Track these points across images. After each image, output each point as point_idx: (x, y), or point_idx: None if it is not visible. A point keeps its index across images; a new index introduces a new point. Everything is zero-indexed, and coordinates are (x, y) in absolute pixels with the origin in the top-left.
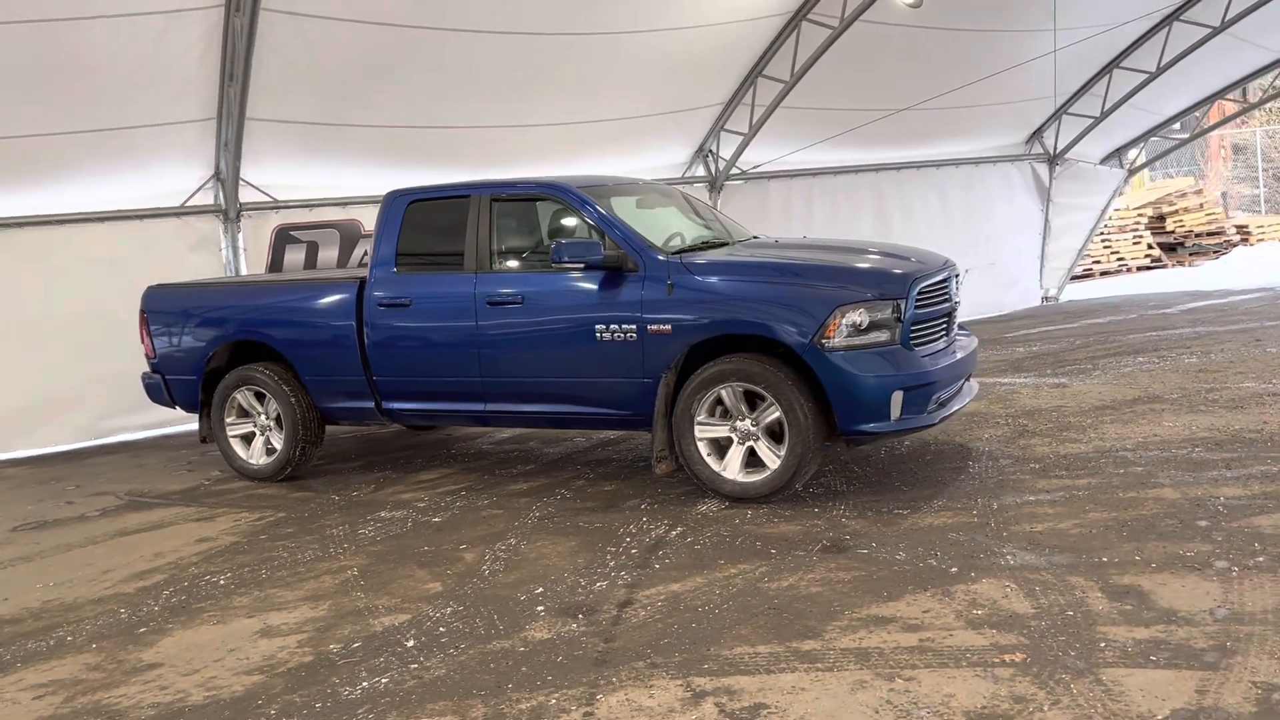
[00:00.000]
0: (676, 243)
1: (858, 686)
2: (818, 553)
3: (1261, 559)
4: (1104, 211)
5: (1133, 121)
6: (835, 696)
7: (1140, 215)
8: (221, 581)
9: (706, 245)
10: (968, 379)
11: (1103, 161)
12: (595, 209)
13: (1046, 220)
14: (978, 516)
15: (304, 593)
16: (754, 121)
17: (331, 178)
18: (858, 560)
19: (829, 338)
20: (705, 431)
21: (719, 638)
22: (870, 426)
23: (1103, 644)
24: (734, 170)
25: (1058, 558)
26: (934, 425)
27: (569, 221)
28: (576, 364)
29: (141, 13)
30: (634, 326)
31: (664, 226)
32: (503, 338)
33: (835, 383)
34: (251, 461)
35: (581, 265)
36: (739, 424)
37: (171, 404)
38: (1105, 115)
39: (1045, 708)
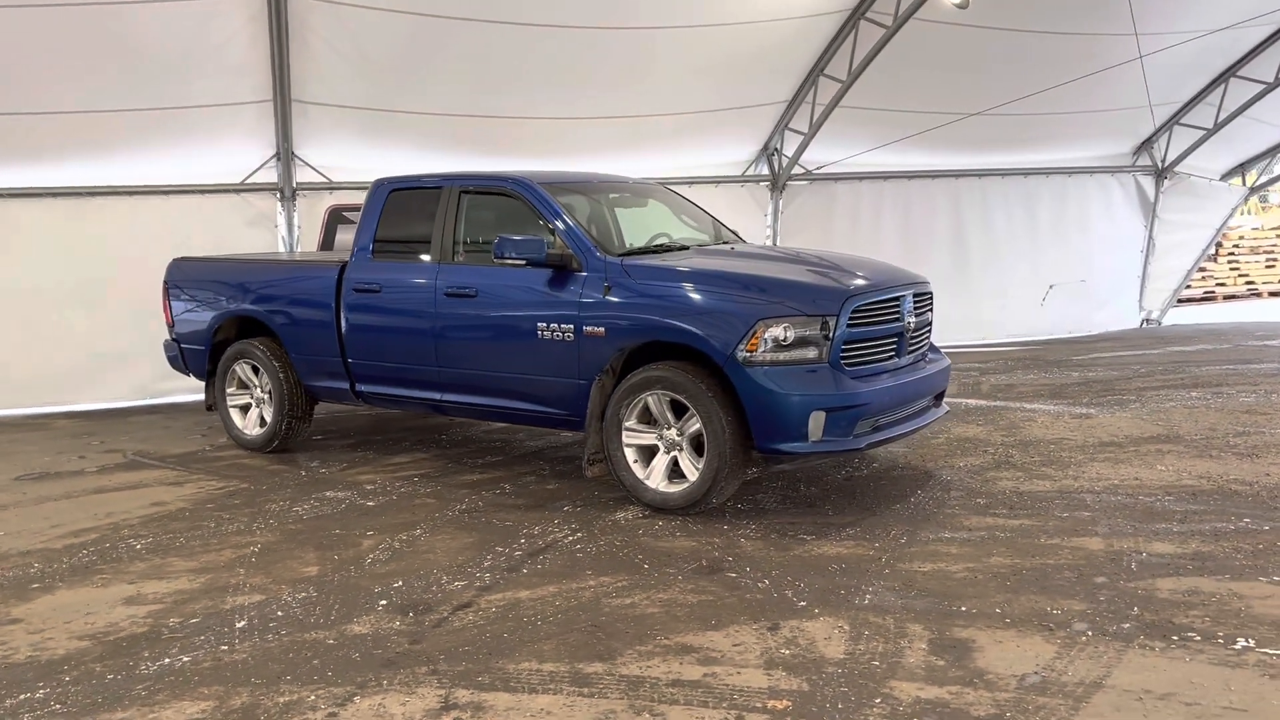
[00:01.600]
0: (637, 243)
1: (602, 716)
2: (689, 572)
3: (1127, 625)
4: (1219, 231)
5: (1259, 135)
6: None
7: None
8: (138, 546)
9: (664, 249)
10: (937, 401)
11: (1223, 177)
12: (550, 205)
13: (1150, 237)
14: (876, 550)
15: (195, 565)
16: (814, 120)
17: (384, 161)
18: (720, 584)
19: (750, 351)
20: (633, 438)
21: (516, 651)
22: (787, 446)
23: (879, 700)
24: (798, 170)
25: (916, 602)
26: (860, 450)
27: (527, 217)
28: (519, 360)
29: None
30: (571, 326)
31: (647, 227)
32: (456, 329)
33: (752, 398)
34: (246, 432)
35: (523, 261)
36: (665, 433)
37: (187, 371)
38: (1219, 127)
39: None
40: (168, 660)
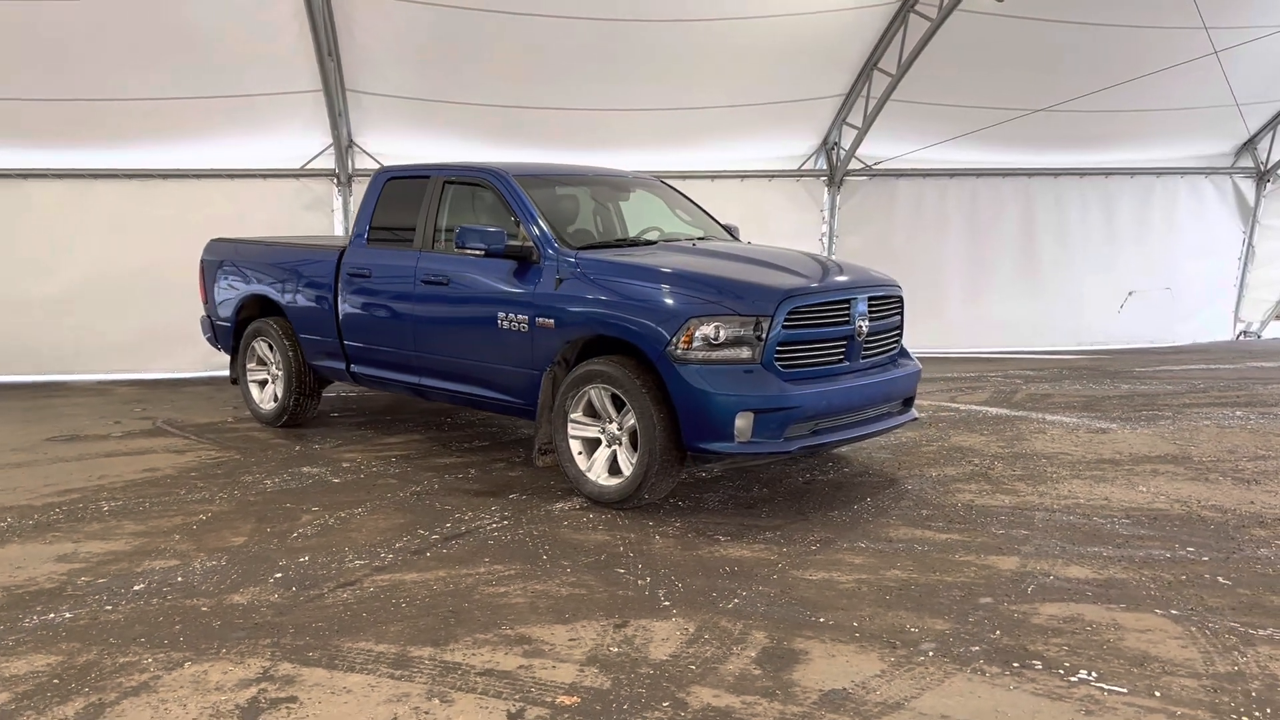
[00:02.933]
0: (625, 236)
1: (396, 698)
2: (581, 566)
3: (976, 649)
4: None
5: None
6: (364, 704)
7: None
8: (105, 508)
9: (629, 242)
10: (905, 406)
11: None
12: (518, 196)
13: (1249, 244)
14: (779, 556)
15: (141, 529)
16: (867, 114)
17: (434, 149)
18: (602, 579)
19: (682, 349)
20: (578, 430)
21: (362, 631)
22: (713, 445)
23: (667, 704)
24: (857, 165)
25: (780, 610)
26: (790, 453)
27: (498, 208)
28: (482, 348)
29: None
30: (525, 317)
31: (638, 220)
32: (430, 315)
33: (681, 395)
34: (261, 406)
35: (482, 251)
36: (608, 427)
37: (217, 346)
38: None
39: None
40: (52, 615)
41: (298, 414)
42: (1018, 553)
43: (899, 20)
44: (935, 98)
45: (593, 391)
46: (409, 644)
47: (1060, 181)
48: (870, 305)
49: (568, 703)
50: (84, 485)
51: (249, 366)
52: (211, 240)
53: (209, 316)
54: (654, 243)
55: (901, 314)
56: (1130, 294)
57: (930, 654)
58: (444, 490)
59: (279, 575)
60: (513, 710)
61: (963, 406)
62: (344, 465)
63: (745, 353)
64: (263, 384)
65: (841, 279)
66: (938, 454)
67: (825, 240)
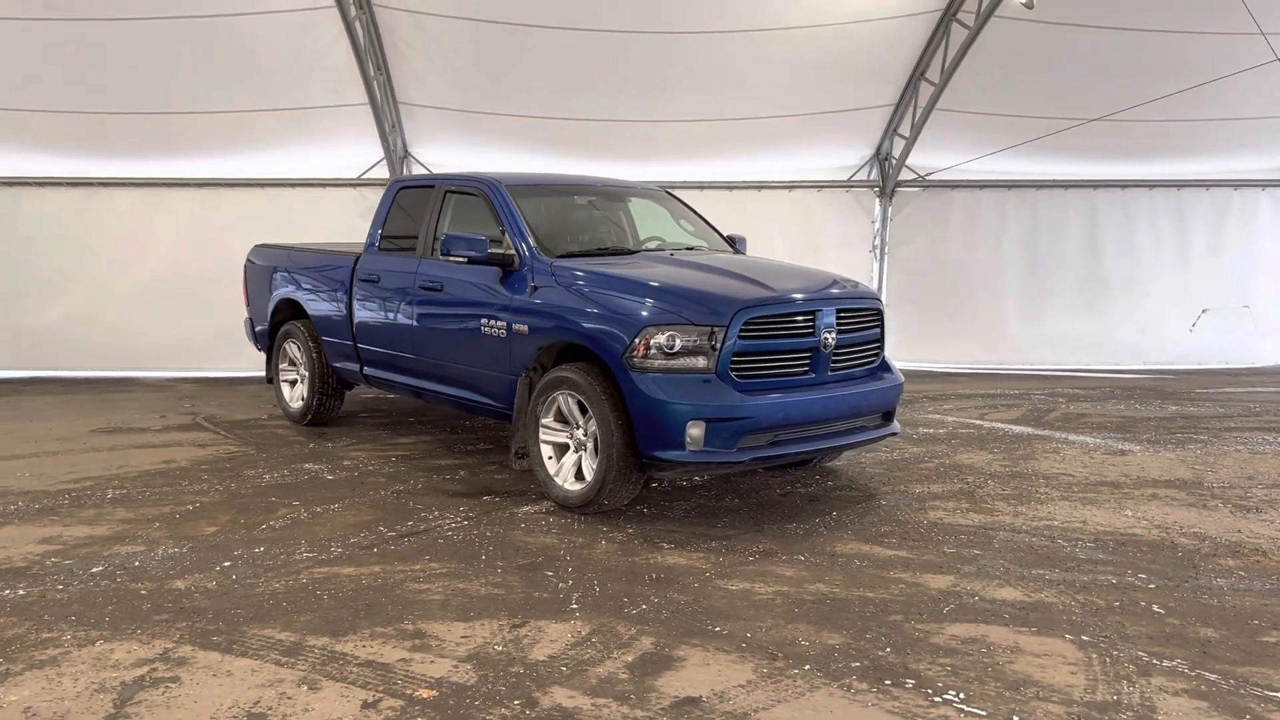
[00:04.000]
0: (579, 245)
1: (269, 683)
2: (514, 568)
3: (856, 664)
4: None
5: None
6: (236, 687)
7: None
8: (110, 496)
9: (609, 251)
10: (886, 420)
11: None
12: (505, 205)
13: None
14: (710, 565)
15: (130, 516)
16: (915, 122)
17: (482, 159)
18: (527, 581)
19: (638, 357)
20: (548, 435)
21: (274, 620)
22: (665, 454)
23: (518, 702)
24: (910, 176)
25: (679, 617)
26: (743, 464)
27: (489, 216)
28: (469, 352)
29: (279, 10)
30: (504, 323)
31: (639, 230)
32: (427, 319)
33: (636, 403)
34: (290, 405)
35: (465, 259)
36: (575, 433)
37: (258, 346)
38: None
39: None
40: (7, 592)
41: (321, 413)
42: (956, 572)
43: (941, 29)
44: (991, 107)
45: (561, 397)
46: (310, 633)
47: (1128, 193)
48: (841, 318)
49: (424, 696)
50: (101, 474)
51: (282, 367)
52: (254, 245)
53: (250, 319)
54: (634, 252)
55: (881, 327)
56: (1204, 312)
57: (806, 668)
58: (425, 490)
59: (227, 564)
60: (369, 700)
61: (986, 424)
62: (344, 463)
63: (700, 362)
64: (293, 384)
65: (807, 292)
66: (934, 470)
67: (876, 252)
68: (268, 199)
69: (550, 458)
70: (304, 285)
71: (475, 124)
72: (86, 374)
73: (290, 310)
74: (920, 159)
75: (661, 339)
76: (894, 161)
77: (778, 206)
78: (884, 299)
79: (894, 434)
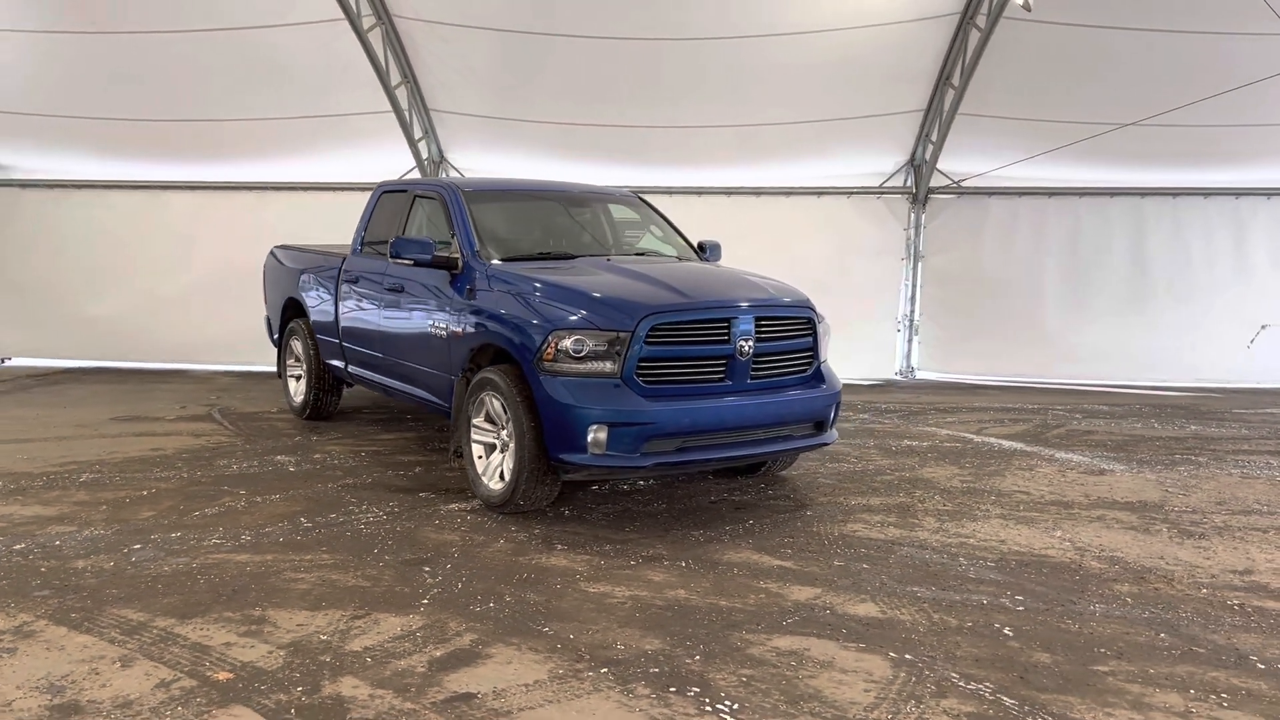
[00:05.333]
0: (523, 249)
1: (91, 659)
2: (397, 562)
3: (654, 670)
4: None
5: None
6: (59, 660)
7: None
8: (83, 479)
9: (550, 256)
10: (818, 429)
11: None
12: (457, 209)
13: None
14: (589, 569)
15: (84, 499)
16: (940, 129)
17: (512, 164)
18: (400, 575)
19: (547, 360)
20: (479, 435)
21: (141, 600)
22: (570, 457)
23: (302, 689)
24: (945, 183)
25: (517, 616)
26: (645, 469)
27: (444, 220)
28: (420, 353)
29: (304, 22)
30: (445, 325)
31: (604, 237)
32: (390, 320)
33: (543, 405)
34: (294, 400)
35: (411, 261)
36: (501, 433)
37: (273, 343)
38: None
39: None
40: None
41: (319, 408)
42: (828, 585)
43: (961, 33)
44: (1028, 112)
45: (487, 398)
46: (161, 615)
47: (1179, 202)
48: (762, 326)
49: (220, 678)
50: (89, 459)
51: (289, 363)
52: (273, 247)
53: (268, 317)
54: (575, 257)
55: (813, 335)
56: (1263, 328)
57: (603, 671)
58: (371, 485)
59: (138, 547)
60: (167, 680)
61: (978, 439)
62: (314, 456)
63: (607, 366)
64: (298, 379)
65: (723, 299)
66: (887, 483)
67: (908, 260)
68: (309, 202)
69: (480, 457)
70: (304, 285)
71: (504, 130)
72: (140, 365)
73: (295, 309)
74: (957, 165)
75: (568, 343)
76: (928, 166)
77: (806, 213)
78: (916, 309)
79: (825, 444)
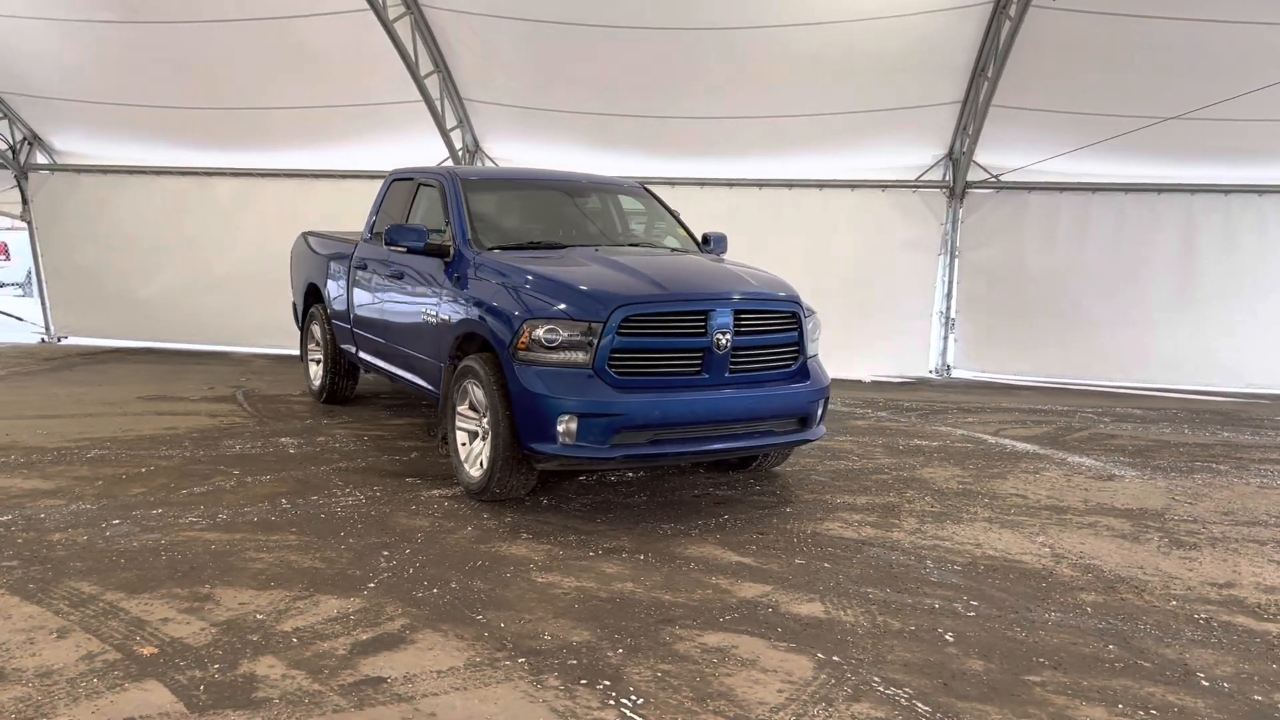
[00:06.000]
0: (516, 238)
1: (29, 629)
2: (360, 546)
3: (575, 662)
4: None
5: None
6: (1, 628)
7: None
8: (90, 455)
9: (540, 245)
10: (801, 425)
11: None
12: (454, 197)
13: None
14: (546, 558)
15: (84, 474)
16: (976, 119)
17: (544, 154)
18: (357, 558)
19: (521, 349)
20: (463, 422)
21: (97, 574)
22: (539, 446)
23: (219, 666)
24: (984, 177)
25: (458, 603)
26: (614, 460)
27: (441, 208)
28: (415, 339)
29: (333, 12)
30: (436, 313)
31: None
32: (391, 306)
33: (516, 394)
34: (313, 383)
35: (405, 249)
36: (484, 420)
37: (298, 327)
38: None
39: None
40: None
41: (335, 392)
42: (781, 583)
43: (994, 22)
44: (1071, 105)
45: (469, 386)
46: (112, 589)
47: (1231, 199)
48: (742, 320)
49: (145, 653)
50: (103, 436)
51: (310, 347)
52: (299, 234)
53: (294, 302)
54: (564, 247)
55: (798, 330)
56: None
57: (520, 661)
58: (363, 469)
59: (116, 523)
60: (95, 651)
61: (993, 439)
62: (318, 439)
63: (580, 357)
64: (317, 362)
65: (701, 292)
66: (882, 483)
67: (944, 256)
68: (348, 190)
69: (463, 444)
70: (321, 271)
71: (536, 121)
72: (183, 346)
73: (315, 294)
74: (997, 159)
75: (541, 332)
76: (963, 161)
77: (839, 206)
78: (952, 306)
79: (808, 440)
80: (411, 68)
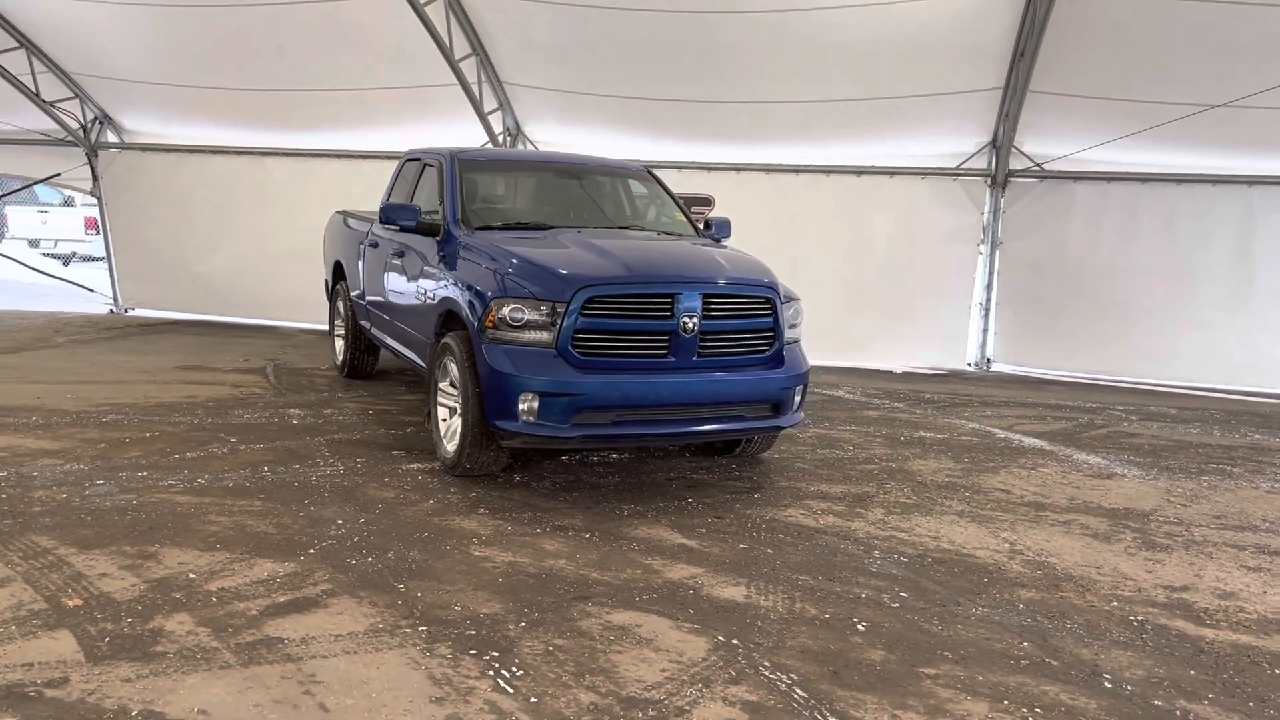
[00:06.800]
0: (501, 220)
1: None
2: (316, 515)
3: (515, 630)
4: None
5: None
6: None
7: None
8: (105, 420)
9: (528, 225)
10: (775, 411)
11: None
12: (450, 177)
13: None
14: (491, 532)
15: (92, 437)
16: (1014, 105)
17: (583, 139)
18: (310, 525)
19: (489, 327)
20: (444, 398)
21: (60, 530)
22: (502, 423)
23: (132, 620)
24: (1028, 165)
25: (383, 572)
26: (573, 440)
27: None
28: (410, 316)
29: None
30: (425, 290)
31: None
32: (392, 284)
33: (482, 372)
34: (336, 357)
35: (398, 227)
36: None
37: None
38: None
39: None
40: None
41: (355, 367)
42: (714, 567)
43: (1032, 5)
44: (1121, 92)
45: (448, 363)
46: (67, 544)
47: None
48: (711, 304)
49: (70, 604)
50: (124, 402)
51: (336, 323)
52: (334, 212)
53: (326, 279)
54: (549, 228)
55: (773, 315)
56: None
57: (421, 630)
58: (356, 441)
59: (100, 483)
60: (25, 600)
61: (1001, 434)
62: (325, 411)
63: (543, 336)
64: (341, 337)
65: (668, 274)
66: (865, 473)
67: (985, 246)
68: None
69: (444, 420)
70: (345, 249)
71: (575, 104)
72: (238, 320)
73: (341, 271)
74: (1042, 149)
75: (507, 311)
76: (1005, 149)
77: (877, 193)
78: (993, 298)
79: (782, 427)
80: (445, 51)
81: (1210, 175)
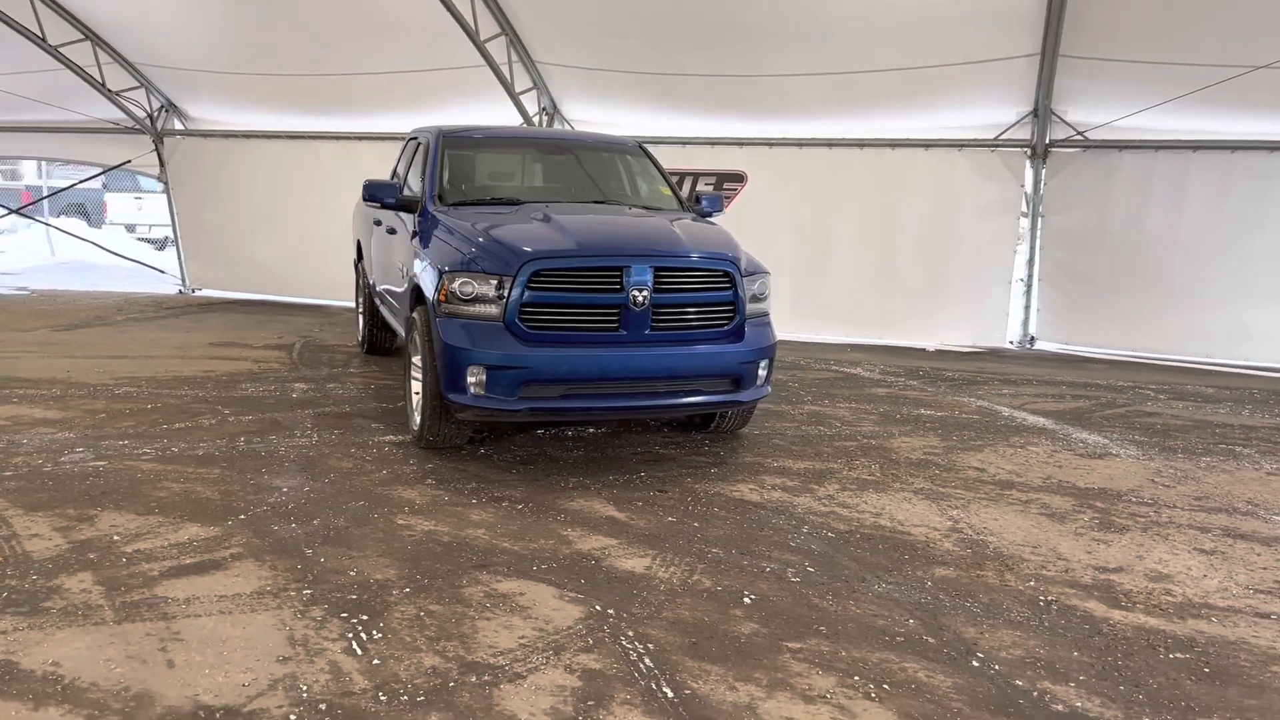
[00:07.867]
0: (478, 196)
1: None
2: (265, 484)
3: (401, 591)
4: None
5: None
6: None
7: None
8: (117, 392)
9: (501, 201)
10: (735, 386)
11: None
12: (432, 154)
13: None
14: (427, 501)
15: (95, 408)
16: (1047, 71)
17: (615, 116)
18: (254, 490)
19: (443, 301)
20: (416, 372)
21: (20, 494)
22: (453, 396)
23: (37, 577)
24: (1070, 135)
25: (303, 537)
26: (519, 413)
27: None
28: (395, 293)
29: None
30: (403, 265)
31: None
32: (384, 260)
33: (436, 346)
34: (358, 334)
35: (379, 204)
36: None
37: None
38: None
39: None
40: None
41: (374, 344)
42: (631, 539)
43: None
44: (1169, 55)
45: (417, 337)
46: (15, 506)
47: None
48: (663, 277)
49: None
50: (143, 376)
51: (359, 300)
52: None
53: (354, 259)
54: (520, 204)
55: (733, 289)
56: None
57: (305, 594)
58: (343, 414)
59: (80, 451)
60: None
61: (1007, 411)
62: (329, 386)
63: (491, 310)
64: (361, 314)
65: (617, 248)
66: (838, 450)
67: (1027, 220)
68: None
69: (416, 393)
70: (361, 228)
71: (605, 82)
72: (292, 300)
73: (361, 251)
74: (1086, 117)
75: (457, 285)
76: (1044, 117)
77: (912, 166)
78: (1034, 273)
79: (742, 402)
80: (470, 31)
81: (1268, 141)
